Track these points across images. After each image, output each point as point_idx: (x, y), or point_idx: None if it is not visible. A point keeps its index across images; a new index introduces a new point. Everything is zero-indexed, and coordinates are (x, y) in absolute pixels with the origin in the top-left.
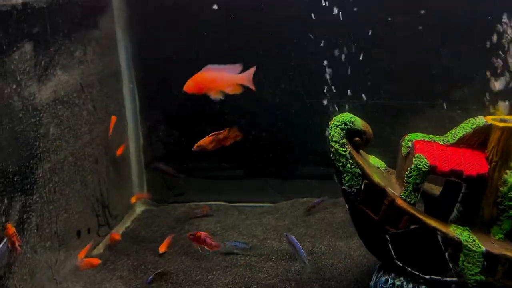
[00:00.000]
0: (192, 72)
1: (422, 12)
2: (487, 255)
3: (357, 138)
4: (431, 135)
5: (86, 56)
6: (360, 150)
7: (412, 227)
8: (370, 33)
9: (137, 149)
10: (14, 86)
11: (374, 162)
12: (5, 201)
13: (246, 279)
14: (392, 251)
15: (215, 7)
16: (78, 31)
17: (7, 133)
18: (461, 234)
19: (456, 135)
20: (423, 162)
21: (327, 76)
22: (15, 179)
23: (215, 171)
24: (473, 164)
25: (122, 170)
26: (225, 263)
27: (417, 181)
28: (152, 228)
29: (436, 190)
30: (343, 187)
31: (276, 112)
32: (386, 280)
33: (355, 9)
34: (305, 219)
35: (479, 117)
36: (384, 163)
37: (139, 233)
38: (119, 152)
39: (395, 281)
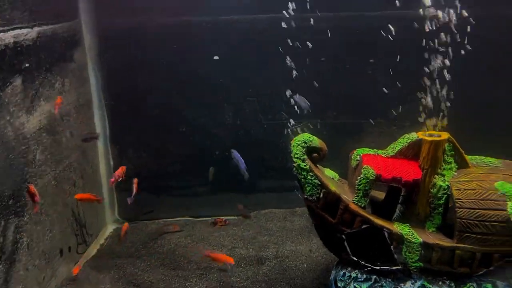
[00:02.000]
0: (159, 100)
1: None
2: (424, 245)
3: (315, 154)
4: (375, 149)
5: (64, 87)
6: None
7: (363, 226)
8: (321, 64)
9: (108, 171)
10: (8, 118)
11: (329, 174)
12: (2, 223)
13: (221, 283)
14: (348, 248)
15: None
16: (57, 64)
17: (2, 160)
18: (403, 230)
19: (395, 148)
20: (370, 172)
21: (282, 101)
22: (10, 202)
23: (183, 189)
24: (410, 171)
25: (95, 191)
26: (200, 271)
27: (366, 188)
28: (126, 244)
29: (379, 195)
30: (305, 196)
31: (237, 133)
32: (344, 274)
33: (309, 43)
34: (267, 228)
35: (412, 133)
36: (337, 175)
37: (115, 249)
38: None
39: (351, 273)
